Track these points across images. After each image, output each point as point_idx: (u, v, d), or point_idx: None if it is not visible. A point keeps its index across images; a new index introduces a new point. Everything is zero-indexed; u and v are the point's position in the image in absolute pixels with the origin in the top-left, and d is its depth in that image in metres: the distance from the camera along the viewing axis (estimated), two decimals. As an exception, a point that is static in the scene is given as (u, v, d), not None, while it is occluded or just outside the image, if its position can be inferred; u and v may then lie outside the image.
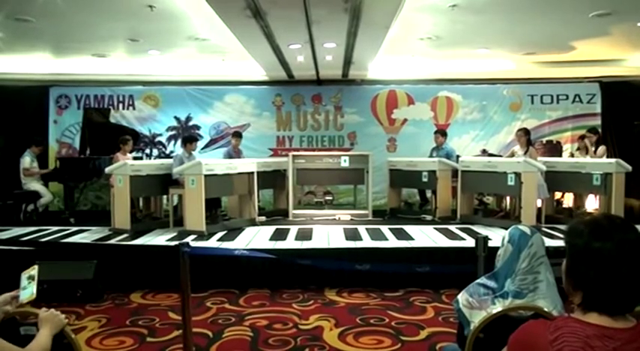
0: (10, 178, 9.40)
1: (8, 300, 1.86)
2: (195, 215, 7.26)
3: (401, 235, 7.22)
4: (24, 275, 2.11)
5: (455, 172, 8.59)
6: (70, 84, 10.89)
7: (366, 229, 7.78)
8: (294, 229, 7.77)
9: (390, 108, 11.02)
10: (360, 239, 6.97)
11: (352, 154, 9.70)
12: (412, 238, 6.95)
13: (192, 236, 7.05)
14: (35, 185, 9.19)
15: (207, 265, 5.77)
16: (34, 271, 2.16)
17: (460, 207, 8.37)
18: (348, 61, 9.35)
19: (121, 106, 10.98)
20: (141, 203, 8.65)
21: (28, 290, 2.03)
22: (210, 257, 5.85)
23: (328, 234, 7.37)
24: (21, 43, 8.55)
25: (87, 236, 7.33)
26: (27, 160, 9.19)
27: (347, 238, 7.01)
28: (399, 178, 9.29)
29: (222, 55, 9.41)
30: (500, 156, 9.38)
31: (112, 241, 6.95)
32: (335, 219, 8.84)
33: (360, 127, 11.03)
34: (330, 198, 9.98)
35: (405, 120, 11.03)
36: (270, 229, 7.79)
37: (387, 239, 6.94)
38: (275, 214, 9.21)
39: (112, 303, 5.76)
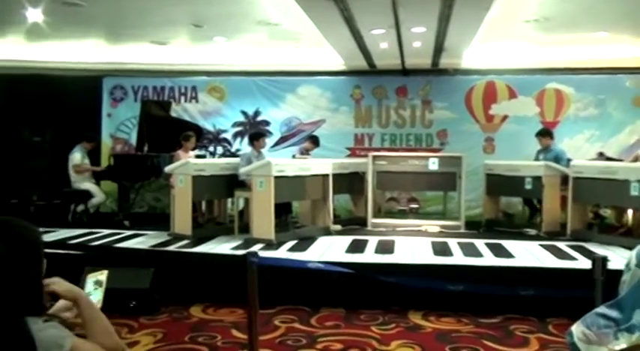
0: (58, 176, 9.84)
1: (69, 306, 1.94)
2: (263, 221, 7.37)
3: (499, 251, 7.07)
4: (90, 279, 2.16)
5: (565, 179, 8.32)
6: (125, 74, 11.35)
7: (458, 243, 7.66)
8: (373, 241, 7.74)
9: (488, 102, 10.81)
10: (451, 255, 6.88)
11: (442, 155, 9.62)
12: (512, 256, 6.79)
13: (260, 245, 7.15)
14: (86, 184, 9.60)
15: (276, 278, 5.83)
16: (102, 275, 2.21)
17: (571, 220, 8.09)
18: (439, 48, 9.24)
19: (182, 98, 11.34)
20: (203, 206, 8.89)
21: (93, 297, 2.09)
22: (280, 269, 5.89)
23: (413, 247, 7.31)
24: (71, 28, 8.92)
25: (143, 241, 7.58)
26: (77, 157, 9.59)
27: (435, 253, 6.94)
28: (498, 184, 9.10)
29: (296, 41, 9.52)
30: (622, 160, 9.00)
31: (171, 248, 7.15)
32: (421, 230, 8.76)
33: (452, 124, 10.88)
34: (416, 206, 9.90)
35: (506, 116, 10.79)
36: (347, 240, 7.79)
37: (482, 256, 6.82)
38: (352, 223, 9.22)
39: (170, 316, 5.92)
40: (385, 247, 7.28)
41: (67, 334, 1.77)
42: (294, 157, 9.55)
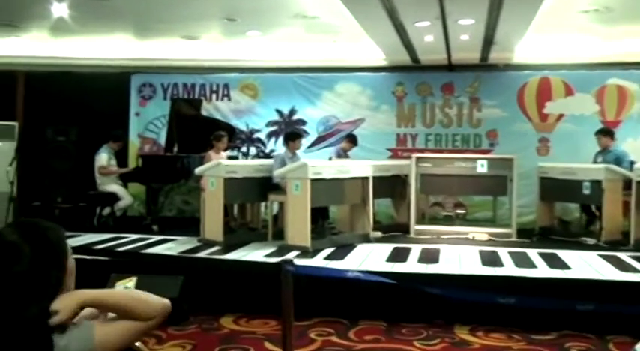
0: (83, 178, 10.03)
1: (96, 314, 1.98)
2: (298, 227, 7.42)
3: (554, 261, 6.99)
4: (118, 286, 2.21)
5: (628, 184, 8.19)
6: (155, 70, 11.52)
7: (509, 252, 7.60)
8: (416, 249, 7.74)
9: (542, 100, 10.68)
10: (501, 265, 6.84)
11: (492, 157, 9.56)
12: (568, 267, 6.72)
13: (295, 252, 7.20)
14: (112, 186, 9.76)
15: (312, 287, 5.84)
16: (130, 282, 2.25)
17: (634, 229, 7.95)
18: (488, 42, 9.18)
19: (214, 96, 11.47)
20: (235, 211, 8.98)
21: None
22: (316, 279, 5.90)
23: (460, 256, 7.29)
24: (97, 23, 9.10)
25: (172, 247, 7.70)
26: (104, 158, 9.76)
27: (484, 263, 6.90)
28: (553, 189, 9.00)
29: (334, 35, 9.55)
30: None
31: (201, 254, 7.25)
32: (468, 238, 8.74)
33: (503, 123, 10.77)
34: (463, 212, 9.83)
35: (562, 115, 10.65)
36: (388, 248, 7.79)
37: (535, 266, 6.76)
38: (393, 230, 9.22)
39: (199, 327, 5.97)
40: (429, 256, 7.26)
41: (90, 325, 1.82)
42: (330, 159, 9.58)
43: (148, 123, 11.57)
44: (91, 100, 11.07)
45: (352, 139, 9.99)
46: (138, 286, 2.32)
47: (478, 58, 10.33)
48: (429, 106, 11.07)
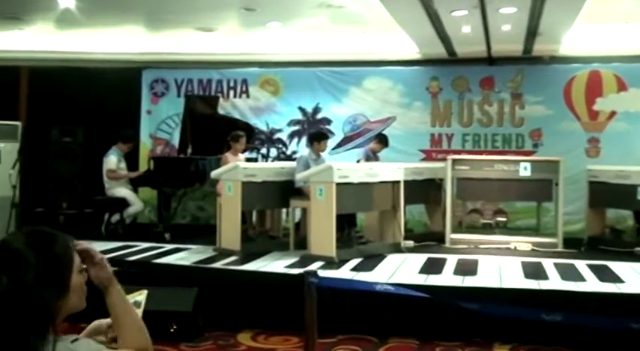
0: (90, 182, 10.12)
1: (103, 328, 1.98)
2: (323, 236, 7.42)
3: (605, 274, 6.93)
4: (129, 299, 2.22)
5: (688, 189, 8.08)
6: (167, 65, 11.60)
7: (555, 264, 7.55)
8: (452, 260, 7.71)
9: (592, 96, 10.58)
10: (546, 278, 6.78)
11: (536, 159, 9.52)
12: (621, 281, 6.65)
13: (319, 263, 7.21)
14: (122, 191, 9.81)
15: (337, 301, 5.85)
16: (141, 296, 2.26)
17: (695, 238, 7.84)
18: (532, 32, 9.13)
19: (231, 93, 11.52)
20: (254, 217, 8.99)
21: None
22: (342, 292, 5.91)
23: (500, 268, 7.25)
24: (106, 15, 9.20)
25: (185, 257, 7.73)
26: (112, 160, 9.79)
27: (526, 276, 6.85)
28: (604, 194, 8.91)
29: (362, 26, 9.55)
30: None
31: (217, 265, 7.27)
32: (509, 248, 8.69)
33: (548, 122, 10.69)
34: (504, 219, 9.75)
35: (614, 113, 10.54)
36: (421, 259, 7.78)
37: (584, 280, 6.70)
38: (427, 239, 9.17)
39: (214, 344, 6.00)
40: (466, 268, 7.24)
41: (99, 348, 1.81)
42: (358, 161, 9.57)
43: (160, 122, 11.64)
44: (99, 98, 11.15)
45: (382, 139, 9.97)
46: (149, 300, 2.32)
47: (521, 50, 10.25)
48: (466, 102, 11.01)
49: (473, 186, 9.19)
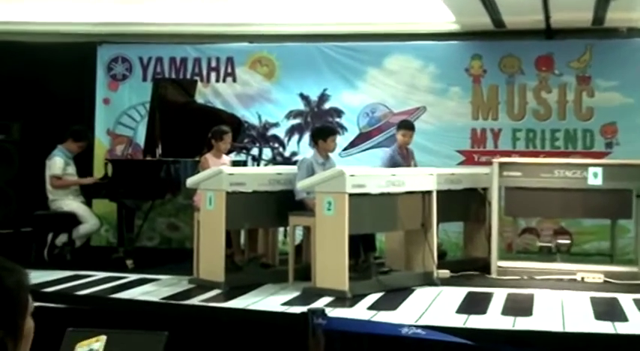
0: (29, 192, 10.13)
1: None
2: (331, 263, 7.41)
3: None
4: (80, 349, 2.22)
5: None
6: (130, 39, 11.62)
7: (635, 300, 7.49)
8: (500, 295, 7.71)
9: (684, 80, 10.59)
10: (624, 319, 6.74)
11: (610, 163, 9.51)
12: None
13: (327, 299, 7.19)
14: (71, 204, 9.79)
15: (351, 348, 5.83)
16: (98, 343, 2.26)
17: None
18: (605, -4, 9.12)
19: (213, 75, 11.52)
20: (243, 239, 8.96)
21: None
22: (358, 337, 5.90)
23: (562, 306, 7.24)
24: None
25: (153, 291, 7.74)
26: (58, 163, 9.78)
27: (597, 317, 6.81)
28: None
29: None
30: None
31: (194, 301, 7.25)
32: (575, 280, 8.68)
33: (626, 114, 10.68)
34: (567, 241, 9.71)
35: None
36: (459, 293, 7.78)
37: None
38: (467, 267, 9.18)
39: (192, 405, 6.01)
40: (519, 306, 7.23)
41: None
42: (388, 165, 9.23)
43: (120, 114, 11.63)
44: (40, 83, 11.16)
45: (407, 125, 9.67)
46: (108, 348, 2.31)
47: (590, 19, 10.21)
48: (517, 88, 10.99)
49: (526, 198, 9.20)
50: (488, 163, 9.56)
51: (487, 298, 7.56)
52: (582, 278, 8.67)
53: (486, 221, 9.34)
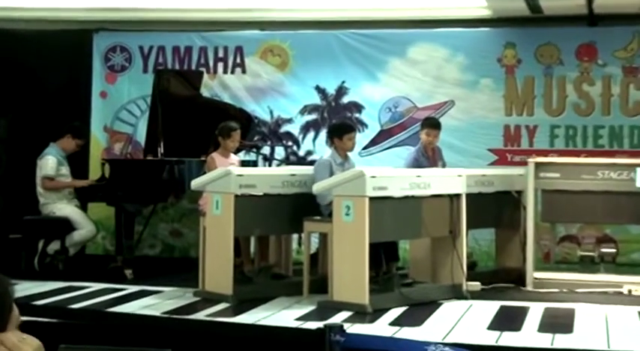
0: (18, 195, 10.21)
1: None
2: (350, 274, 7.42)
3: None
4: None
5: None
6: (129, 27, 11.64)
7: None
8: (536, 310, 7.70)
9: None
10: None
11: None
12: None
13: (345, 313, 7.20)
14: (64, 208, 9.82)
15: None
16: None
17: None
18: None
19: (220, 66, 11.56)
20: (253, 246, 8.97)
21: None
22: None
23: (607, 321, 7.21)
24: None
25: (154, 304, 7.75)
26: (50, 163, 9.79)
27: (648, 335, 6.83)
28: None
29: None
30: None
31: (200, 316, 7.26)
32: (621, 293, 8.65)
33: (678, 109, 10.67)
34: (612, 250, 9.70)
35: None
36: (491, 308, 7.78)
37: None
38: (499, 278, 9.18)
39: None
40: (557, 322, 7.22)
41: None
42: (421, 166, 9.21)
43: (119, 108, 11.67)
44: (30, 75, 11.20)
45: (433, 124, 9.58)
46: None
47: (638, 4, 10.18)
48: (556, 81, 10.99)
49: (566, 202, 9.19)
50: (523, 164, 9.55)
51: (522, 313, 7.54)
52: (629, 291, 8.63)
53: (521, 228, 9.31)
